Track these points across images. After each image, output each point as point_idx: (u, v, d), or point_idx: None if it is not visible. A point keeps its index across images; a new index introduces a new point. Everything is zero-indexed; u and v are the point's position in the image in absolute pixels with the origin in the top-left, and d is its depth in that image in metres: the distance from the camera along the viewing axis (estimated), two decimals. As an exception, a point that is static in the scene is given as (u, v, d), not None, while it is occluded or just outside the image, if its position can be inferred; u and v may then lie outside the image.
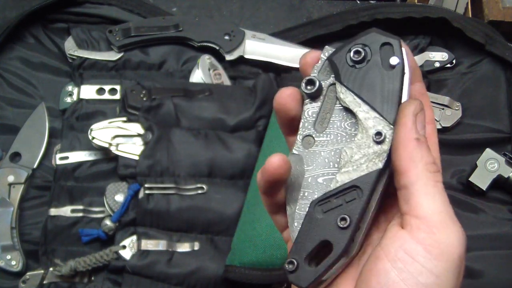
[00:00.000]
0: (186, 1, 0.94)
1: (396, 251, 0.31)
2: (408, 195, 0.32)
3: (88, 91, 0.81)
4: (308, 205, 0.35)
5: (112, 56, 0.83)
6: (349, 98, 0.35)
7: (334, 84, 0.36)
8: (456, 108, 0.82)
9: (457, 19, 0.83)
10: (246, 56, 0.84)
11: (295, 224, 0.35)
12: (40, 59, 0.85)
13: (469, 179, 0.78)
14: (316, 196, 0.35)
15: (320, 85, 0.36)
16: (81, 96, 0.80)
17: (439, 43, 0.88)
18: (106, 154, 0.76)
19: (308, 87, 0.36)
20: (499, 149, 0.81)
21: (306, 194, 0.35)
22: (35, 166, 0.78)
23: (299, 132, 0.37)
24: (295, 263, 0.34)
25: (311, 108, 0.36)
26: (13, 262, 0.72)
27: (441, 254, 0.30)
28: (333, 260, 0.34)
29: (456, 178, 0.81)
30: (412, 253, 0.30)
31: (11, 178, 0.76)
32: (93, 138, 0.73)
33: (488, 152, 0.79)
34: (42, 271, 0.71)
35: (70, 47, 0.84)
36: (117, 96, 0.81)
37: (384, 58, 0.35)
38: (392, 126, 0.34)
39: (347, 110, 0.35)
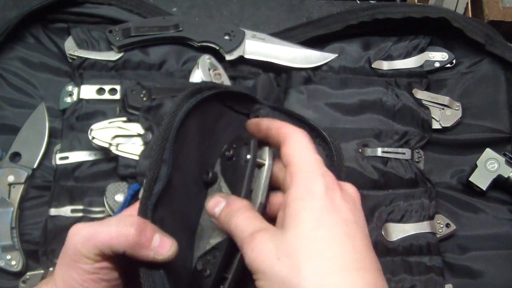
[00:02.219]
0: (186, 1, 0.94)
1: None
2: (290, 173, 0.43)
3: (88, 91, 0.81)
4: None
5: (112, 56, 0.83)
6: (224, 187, 0.46)
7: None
8: (456, 108, 0.82)
9: (457, 19, 0.83)
10: (246, 56, 0.84)
11: None
12: (40, 59, 0.84)
13: (469, 179, 0.78)
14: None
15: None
16: (81, 96, 0.80)
17: (439, 43, 0.88)
18: (106, 154, 0.76)
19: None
20: (499, 149, 0.81)
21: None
22: (35, 166, 0.78)
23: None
24: None
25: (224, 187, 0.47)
26: (13, 262, 0.72)
27: (310, 189, 0.41)
28: None
29: (456, 178, 0.81)
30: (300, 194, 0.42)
31: (11, 178, 0.76)
32: (93, 138, 0.73)
33: (488, 152, 0.79)
34: (42, 271, 0.71)
35: (70, 47, 0.83)
36: (117, 96, 0.80)
37: (243, 155, 0.44)
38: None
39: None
